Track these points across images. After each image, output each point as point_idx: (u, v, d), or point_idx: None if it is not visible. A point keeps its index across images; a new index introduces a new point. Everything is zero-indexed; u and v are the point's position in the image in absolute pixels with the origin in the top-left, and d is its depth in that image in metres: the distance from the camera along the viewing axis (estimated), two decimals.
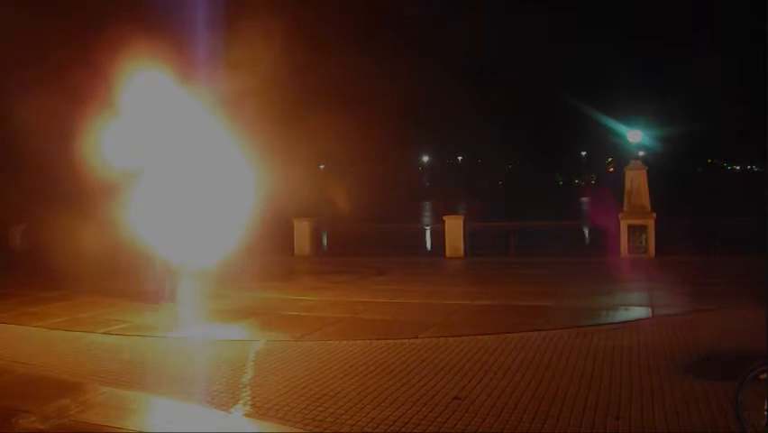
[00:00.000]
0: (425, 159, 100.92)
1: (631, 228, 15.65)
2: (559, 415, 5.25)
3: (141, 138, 10.36)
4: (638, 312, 9.46)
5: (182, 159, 10.67)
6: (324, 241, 20.10)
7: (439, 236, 17.77)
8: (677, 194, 32.86)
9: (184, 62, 10.73)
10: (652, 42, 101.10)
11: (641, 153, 18.21)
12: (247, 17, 12.34)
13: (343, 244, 19.31)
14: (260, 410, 5.59)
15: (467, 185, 74.29)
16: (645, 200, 15.94)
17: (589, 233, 19.21)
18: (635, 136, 17.10)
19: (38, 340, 8.65)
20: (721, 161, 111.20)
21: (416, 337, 8.19)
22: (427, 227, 24.85)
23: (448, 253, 17.10)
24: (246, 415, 5.56)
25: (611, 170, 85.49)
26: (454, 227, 17.26)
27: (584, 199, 47.00)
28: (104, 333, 8.92)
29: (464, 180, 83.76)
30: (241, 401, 5.85)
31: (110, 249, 12.30)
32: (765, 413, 4.17)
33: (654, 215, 15.72)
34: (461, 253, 16.96)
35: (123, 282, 12.29)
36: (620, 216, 15.89)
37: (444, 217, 17.64)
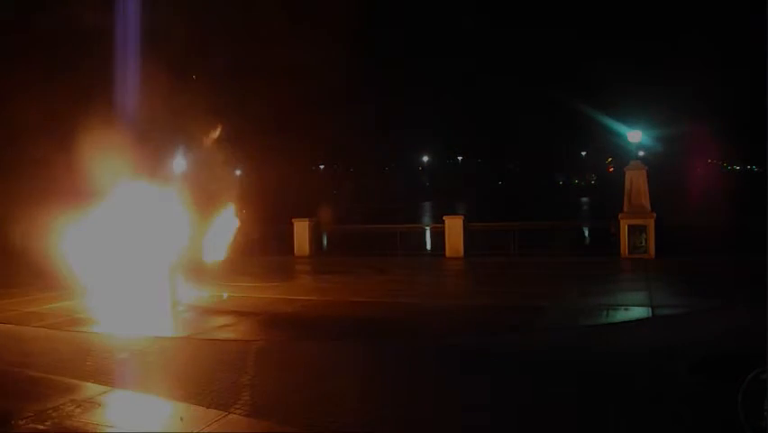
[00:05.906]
0: (425, 159, 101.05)
1: (631, 228, 15.64)
2: (558, 415, 5.24)
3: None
4: (638, 312, 9.45)
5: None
6: (324, 241, 20.06)
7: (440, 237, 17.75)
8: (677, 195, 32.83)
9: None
10: (652, 42, 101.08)
11: (641, 153, 18.21)
12: (244, 15, 12.32)
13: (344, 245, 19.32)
14: (259, 410, 5.58)
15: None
16: (645, 200, 15.92)
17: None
18: (635, 136, 17.08)
19: (38, 340, 8.63)
20: (721, 161, 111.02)
21: None
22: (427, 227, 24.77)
23: (448, 252, 17.07)
24: (245, 414, 5.53)
25: (611, 170, 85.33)
26: (454, 227, 17.23)
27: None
28: (104, 333, 8.91)
29: (463, 181, 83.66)
30: (240, 402, 5.82)
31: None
32: (765, 413, 4.16)
33: (654, 215, 15.70)
34: (461, 252, 16.94)
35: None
36: (620, 215, 15.88)
37: (444, 218, 17.60)
